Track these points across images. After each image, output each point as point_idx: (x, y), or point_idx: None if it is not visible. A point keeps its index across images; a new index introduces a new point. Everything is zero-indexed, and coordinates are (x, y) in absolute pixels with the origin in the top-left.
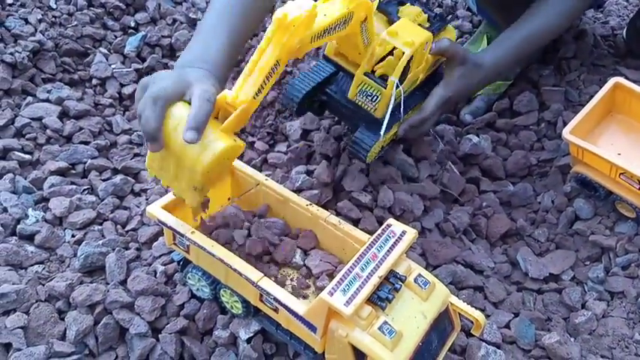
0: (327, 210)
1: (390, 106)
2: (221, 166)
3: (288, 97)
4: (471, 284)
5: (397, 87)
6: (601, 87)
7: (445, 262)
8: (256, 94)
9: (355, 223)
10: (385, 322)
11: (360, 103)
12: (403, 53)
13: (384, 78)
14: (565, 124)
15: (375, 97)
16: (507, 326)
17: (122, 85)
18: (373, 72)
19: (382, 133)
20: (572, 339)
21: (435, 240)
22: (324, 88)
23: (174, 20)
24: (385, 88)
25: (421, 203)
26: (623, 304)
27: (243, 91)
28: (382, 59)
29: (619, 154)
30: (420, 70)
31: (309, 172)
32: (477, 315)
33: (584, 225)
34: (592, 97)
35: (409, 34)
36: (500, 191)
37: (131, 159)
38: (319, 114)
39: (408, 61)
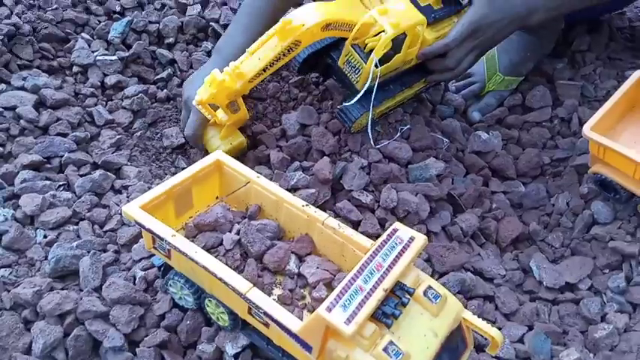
0: (325, 211)
1: (368, 82)
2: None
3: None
4: (481, 293)
5: (376, 66)
6: (618, 81)
7: (453, 268)
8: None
9: (355, 225)
10: (391, 342)
11: (346, 72)
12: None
13: (370, 52)
14: (580, 120)
15: (357, 70)
16: (521, 340)
17: (105, 75)
18: (366, 45)
19: (353, 101)
20: (591, 355)
21: (442, 244)
22: (330, 51)
23: (163, 5)
24: (366, 63)
25: (427, 204)
26: None
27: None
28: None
29: None
30: (414, 51)
31: (305, 169)
32: (494, 333)
33: (603, 230)
34: (609, 92)
35: (400, 14)
36: (511, 192)
37: (112, 153)
38: (325, 76)
39: (401, 41)
